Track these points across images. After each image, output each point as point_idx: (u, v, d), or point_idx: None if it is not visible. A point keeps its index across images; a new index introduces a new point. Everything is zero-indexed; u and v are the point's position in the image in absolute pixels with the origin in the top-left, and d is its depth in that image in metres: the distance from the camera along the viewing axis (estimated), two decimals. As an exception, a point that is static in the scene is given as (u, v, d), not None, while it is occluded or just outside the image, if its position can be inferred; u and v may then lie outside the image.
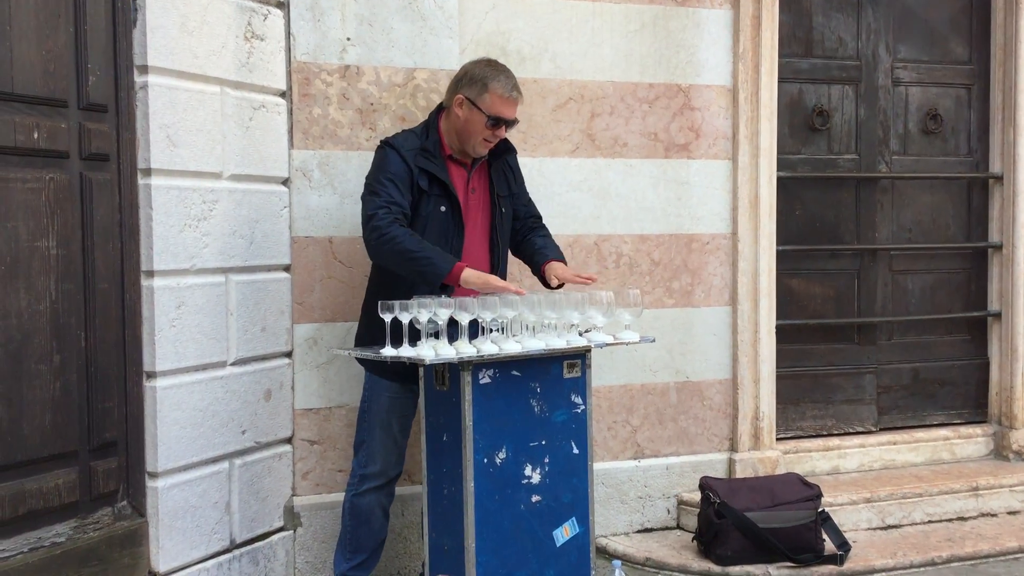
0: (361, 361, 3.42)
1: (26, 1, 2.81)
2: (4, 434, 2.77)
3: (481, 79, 3.29)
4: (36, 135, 2.85)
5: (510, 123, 3.33)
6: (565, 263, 3.52)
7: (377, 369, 3.36)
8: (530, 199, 3.67)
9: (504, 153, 3.48)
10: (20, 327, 2.81)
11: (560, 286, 3.43)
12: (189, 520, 3.30)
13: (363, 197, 3.30)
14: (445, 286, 3.16)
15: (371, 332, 3.30)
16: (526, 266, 3.64)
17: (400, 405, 3.39)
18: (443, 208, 3.30)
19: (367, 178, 3.32)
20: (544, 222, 3.68)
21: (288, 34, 3.70)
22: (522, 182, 3.62)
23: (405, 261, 3.14)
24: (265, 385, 3.64)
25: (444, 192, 3.31)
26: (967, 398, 5.06)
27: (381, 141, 3.37)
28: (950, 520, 4.48)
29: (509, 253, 3.60)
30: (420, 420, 3.20)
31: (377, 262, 3.31)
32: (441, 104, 3.44)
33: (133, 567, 3.12)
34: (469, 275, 3.11)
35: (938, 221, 4.98)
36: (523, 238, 3.60)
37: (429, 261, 3.11)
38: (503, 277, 3.41)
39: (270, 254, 3.65)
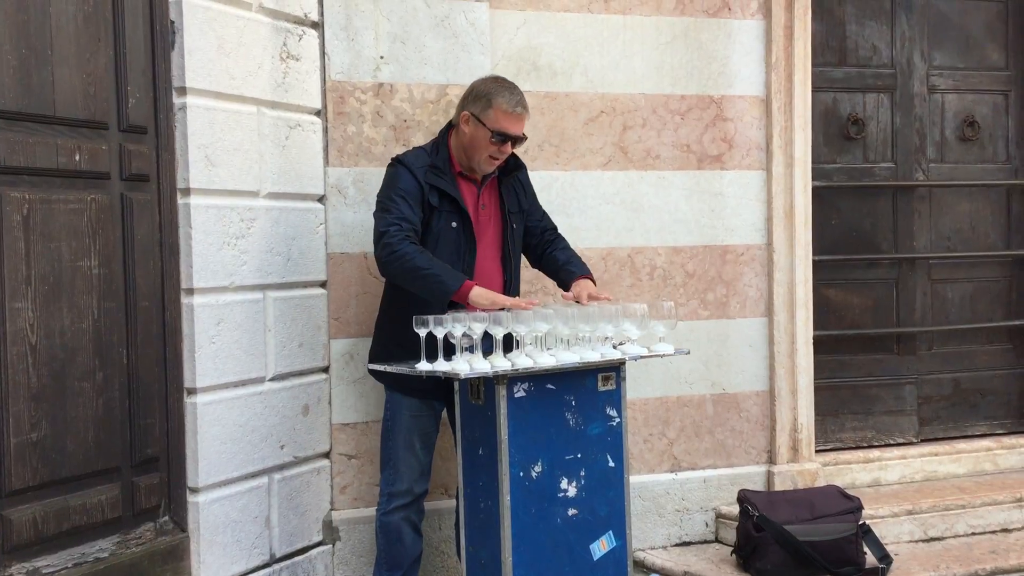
0: (379, 376, 3.43)
1: (66, 26, 2.88)
2: (49, 451, 2.83)
3: (486, 95, 3.28)
4: (78, 157, 2.91)
5: (516, 139, 3.31)
6: (591, 276, 3.49)
7: (396, 385, 3.36)
8: (544, 212, 3.66)
9: (514, 170, 3.46)
10: (64, 345, 2.87)
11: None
12: (230, 535, 3.34)
13: (375, 214, 3.31)
14: (454, 303, 3.14)
15: (388, 349, 3.32)
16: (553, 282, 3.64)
17: (421, 423, 3.38)
18: (454, 224, 3.29)
19: (378, 195, 3.33)
20: (561, 232, 3.66)
21: (323, 53, 3.75)
22: (533, 196, 3.60)
23: (415, 279, 3.13)
24: (303, 400, 3.67)
25: (455, 208, 3.30)
26: (1010, 408, 4.99)
27: (392, 159, 3.38)
28: (994, 532, 4.40)
29: (532, 268, 3.60)
30: (456, 434, 3.22)
31: (388, 278, 3.31)
32: (451, 122, 3.44)
33: (175, 581, 3.16)
34: (476, 293, 3.11)
35: (977, 229, 4.92)
36: (544, 253, 3.58)
37: (438, 278, 3.10)
38: (516, 292, 3.42)
39: (307, 270, 3.69)
